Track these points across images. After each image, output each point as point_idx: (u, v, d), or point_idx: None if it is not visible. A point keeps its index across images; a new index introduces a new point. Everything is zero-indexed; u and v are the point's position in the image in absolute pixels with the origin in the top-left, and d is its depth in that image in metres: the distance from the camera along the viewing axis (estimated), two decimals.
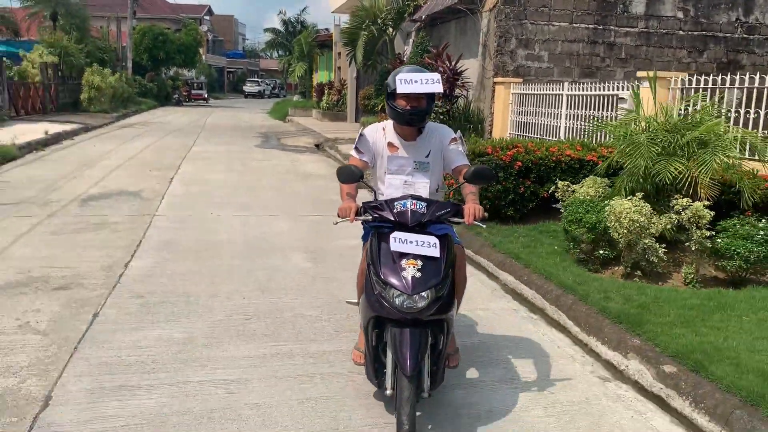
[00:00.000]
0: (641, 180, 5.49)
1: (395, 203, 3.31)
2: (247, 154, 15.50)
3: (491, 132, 12.66)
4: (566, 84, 10.43)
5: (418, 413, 3.23)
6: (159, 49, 39.13)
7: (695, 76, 7.75)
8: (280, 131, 22.83)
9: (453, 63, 12.87)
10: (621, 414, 3.59)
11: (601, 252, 5.65)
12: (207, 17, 68.50)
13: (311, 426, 3.26)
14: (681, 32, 13.24)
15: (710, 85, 7.37)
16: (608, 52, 13.04)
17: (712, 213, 5.13)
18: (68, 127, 18.97)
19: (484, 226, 3.44)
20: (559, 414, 3.52)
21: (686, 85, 7.77)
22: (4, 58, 21.82)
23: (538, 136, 10.75)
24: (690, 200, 5.18)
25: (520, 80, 12.27)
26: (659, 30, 13.16)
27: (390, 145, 3.64)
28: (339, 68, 28.25)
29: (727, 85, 7.20)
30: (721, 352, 3.88)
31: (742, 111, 6.97)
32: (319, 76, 34.05)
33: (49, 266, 5.76)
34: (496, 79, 12.53)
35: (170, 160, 13.43)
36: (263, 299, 5.11)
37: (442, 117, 12.61)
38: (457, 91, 12.92)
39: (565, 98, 10.26)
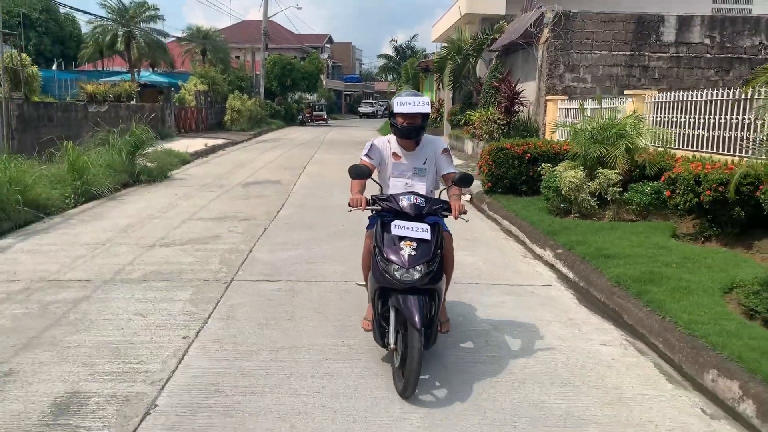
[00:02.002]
0: (583, 159, 8.86)
1: (400, 197, 4.08)
2: (355, 160, 19.58)
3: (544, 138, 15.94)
4: (590, 101, 13.63)
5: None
6: (286, 77, 44.86)
7: (665, 93, 10.86)
8: None
9: (513, 85, 16.33)
10: (522, 266, 7.13)
11: (561, 205, 9.05)
12: (328, 45, 75.04)
13: None
14: (708, 55, 15.91)
15: (672, 99, 10.47)
16: (643, 73, 15.98)
17: (621, 177, 8.44)
18: (219, 141, 24.17)
19: (467, 220, 4.43)
20: (487, 261, 7.14)
21: (657, 100, 10.88)
22: (172, 88, 27.61)
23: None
24: (608, 170, 8.51)
25: (566, 98, 15.51)
26: (688, 54, 15.92)
27: (394, 154, 4.44)
28: (439, 90, 32.14)
29: (685, 98, 10.27)
30: (588, 243, 7.25)
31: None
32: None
33: (235, 211, 10.01)
34: (547, 97, 15.84)
35: (298, 164, 17.84)
36: (353, 226, 8.95)
37: (504, 128, 16.10)
38: (516, 107, 16.33)
39: (589, 111, 13.46)
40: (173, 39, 40.69)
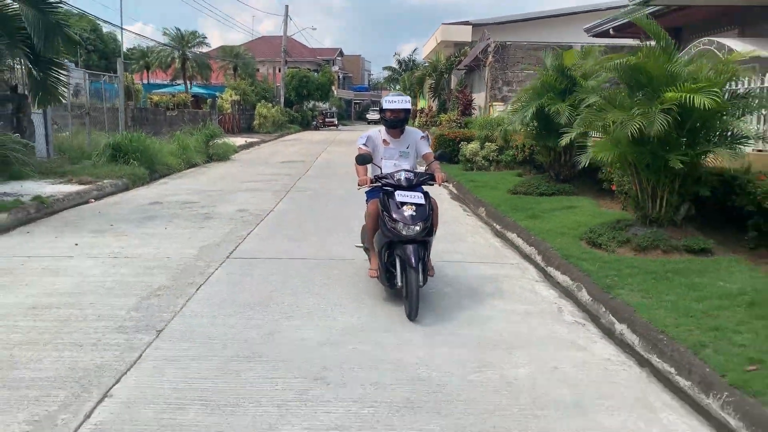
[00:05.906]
0: (481, 137, 15.57)
1: (395, 174, 5.44)
2: (355, 153, 26.57)
3: None
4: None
5: None
6: (303, 88, 51.83)
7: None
8: None
9: (468, 95, 23.06)
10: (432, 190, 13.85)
11: (468, 165, 15.75)
12: (339, 58, 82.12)
13: None
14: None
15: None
16: None
17: (497, 147, 15.16)
18: (254, 139, 31.10)
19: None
20: None
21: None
22: (215, 98, 34.67)
23: None
24: (491, 143, 15.22)
25: (502, 103, 22.17)
26: None
27: (384, 141, 5.77)
28: (431, 98, 38.93)
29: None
30: (468, 178, 13.96)
31: None
32: (420, 104, 44.94)
33: (279, 172, 16.85)
34: (490, 103, 22.56)
35: (315, 153, 24.72)
36: (347, 178, 15.75)
37: (461, 125, 22.77)
38: (470, 110, 23.05)
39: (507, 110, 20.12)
40: (210, 56, 47.82)
